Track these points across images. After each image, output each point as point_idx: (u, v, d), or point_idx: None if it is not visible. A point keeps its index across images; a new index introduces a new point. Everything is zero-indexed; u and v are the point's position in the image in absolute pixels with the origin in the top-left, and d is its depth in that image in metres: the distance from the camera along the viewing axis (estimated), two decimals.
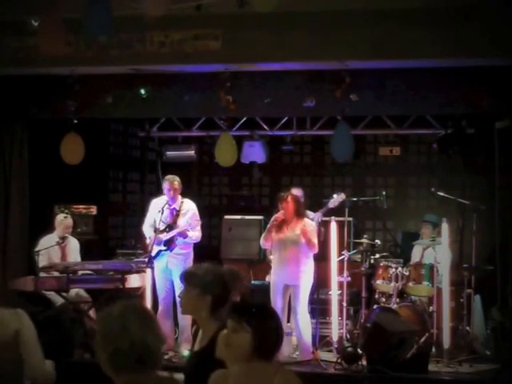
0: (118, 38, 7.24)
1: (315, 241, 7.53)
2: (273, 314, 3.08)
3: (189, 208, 7.97)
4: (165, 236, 7.80)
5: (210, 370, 3.23)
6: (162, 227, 7.83)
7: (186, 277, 3.70)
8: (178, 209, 7.93)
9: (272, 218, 7.71)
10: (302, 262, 7.58)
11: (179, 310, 7.78)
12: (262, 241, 7.85)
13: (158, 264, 7.83)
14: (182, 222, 7.84)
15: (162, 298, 7.88)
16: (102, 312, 2.58)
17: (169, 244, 7.81)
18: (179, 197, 7.98)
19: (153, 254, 7.77)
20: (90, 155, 8.44)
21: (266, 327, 2.95)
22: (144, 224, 8.05)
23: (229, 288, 3.68)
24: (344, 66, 7.34)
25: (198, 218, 7.96)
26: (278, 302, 7.58)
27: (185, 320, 7.79)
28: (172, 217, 7.90)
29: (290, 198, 7.62)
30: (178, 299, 7.77)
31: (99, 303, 8.08)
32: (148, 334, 2.49)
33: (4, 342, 3.72)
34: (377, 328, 7.12)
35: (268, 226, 7.75)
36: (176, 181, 7.91)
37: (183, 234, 7.78)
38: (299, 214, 7.63)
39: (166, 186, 7.93)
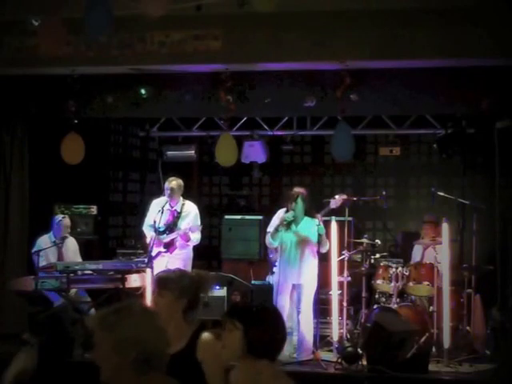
0: (118, 38, 7.24)
1: (326, 240, 7.57)
2: (270, 315, 3.07)
3: (190, 210, 7.97)
4: (165, 238, 7.80)
5: (191, 372, 3.26)
6: (162, 228, 7.83)
7: (162, 282, 3.73)
8: (179, 210, 7.92)
9: (281, 218, 7.69)
10: (308, 261, 7.58)
11: None
12: (269, 240, 7.81)
13: (159, 264, 7.83)
14: (183, 225, 7.84)
15: None
16: (117, 315, 2.51)
17: (168, 246, 7.81)
18: (180, 198, 7.97)
19: (152, 254, 7.77)
20: (90, 155, 8.44)
21: (259, 328, 2.95)
22: (144, 224, 8.05)
23: (201, 291, 3.78)
24: (344, 65, 7.34)
25: (199, 222, 7.95)
26: (281, 302, 7.57)
27: None
28: (173, 218, 7.90)
29: (299, 198, 7.62)
30: None
31: (99, 303, 8.09)
32: (160, 336, 2.48)
33: None
34: (377, 328, 7.11)
35: (276, 225, 7.72)
36: (175, 181, 7.90)
37: (186, 237, 7.78)
38: (308, 214, 7.64)
39: (165, 186, 7.95)
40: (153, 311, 2.56)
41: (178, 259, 7.82)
